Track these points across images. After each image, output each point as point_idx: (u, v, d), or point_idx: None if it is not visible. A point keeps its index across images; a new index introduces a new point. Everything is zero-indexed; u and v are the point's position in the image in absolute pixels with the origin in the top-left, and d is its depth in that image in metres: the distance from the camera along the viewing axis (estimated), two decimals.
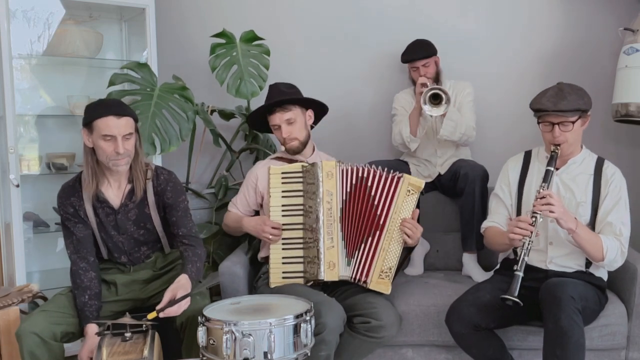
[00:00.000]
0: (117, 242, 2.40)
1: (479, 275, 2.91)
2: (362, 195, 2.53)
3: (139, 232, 2.40)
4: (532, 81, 3.47)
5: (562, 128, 2.37)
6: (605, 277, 2.49)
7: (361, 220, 2.52)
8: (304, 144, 2.69)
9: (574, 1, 3.49)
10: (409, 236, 2.46)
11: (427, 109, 2.92)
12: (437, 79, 3.14)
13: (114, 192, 2.36)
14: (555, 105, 2.34)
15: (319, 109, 2.77)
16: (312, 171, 2.55)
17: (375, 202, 2.52)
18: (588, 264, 2.43)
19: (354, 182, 2.55)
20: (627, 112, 3.06)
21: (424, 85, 2.97)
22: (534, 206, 2.30)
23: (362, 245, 2.51)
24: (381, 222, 2.50)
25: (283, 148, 2.72)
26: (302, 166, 2.58)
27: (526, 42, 3.52)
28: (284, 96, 2.62)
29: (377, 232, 2.50)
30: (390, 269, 2.49)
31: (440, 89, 2.90)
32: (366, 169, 2.56)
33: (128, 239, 2.40)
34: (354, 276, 2.50)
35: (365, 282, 2.49)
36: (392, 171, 2.55)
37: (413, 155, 3.24)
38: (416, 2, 3.54)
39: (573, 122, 2.36)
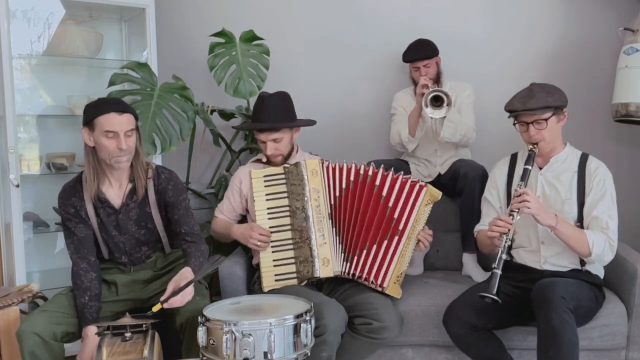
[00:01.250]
0: (118, 243, 2.40)
1: (479, 275, 2.91)
2: (365, 194, 2.54)
3: (140, 232, 2.40)
4: (532, 81, 3.45)
5: (537, 126, 2.39)
6: (601, 275, 2.49)
7: (366, 218, 2.53)
8: (288, 157, 2.67)
9: (574, 1, 3.49)
10: (425, 245, 2.55)
11: (429, 111, 2.91)
12: (438, 79, 3.14)
13: (115, 192, 2.36)
14: (524, 104, 2.37)
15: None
16: (295, 171, 2.56)
17: (390, 205, 2.53)
18: (583, 262, 2.43)
19: (352, 179, 2.57)
20: (627, 112, 3.05)
21: (424, 86, 2.96)
22: (511, 204, 2.33)
23: (375, 247, 2.51)
24: (400, 227, 2.52)
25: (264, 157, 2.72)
26: (284, 167, 2.59)
27: (526, 42, 3.52)
28: (277, 115, 2.58)
29: (396, 237, 2.51)
30: (402, 273, 2.53)
31: (441, 92, 2.90)
32: (371, 168, 2.57)
33: (129, 239, 2.40)
34: (364, 277, 2.50)
35: (382, 286, 2.49)
36: (410, 177, 2.58)
37: (413, 155, 3.24)
38: (416, 2, 3.54)
39: (546, 120, 2.38)
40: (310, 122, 2.72)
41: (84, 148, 2.31)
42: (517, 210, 2.30)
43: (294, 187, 2.55)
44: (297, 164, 2.57)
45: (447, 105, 2.88)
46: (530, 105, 2.36)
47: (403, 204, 2.53)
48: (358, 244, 2.52)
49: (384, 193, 2.54)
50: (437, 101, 2.91)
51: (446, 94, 2.88)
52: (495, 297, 2.19)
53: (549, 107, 2.37)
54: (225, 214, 2.74)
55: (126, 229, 2.38)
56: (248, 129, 2.65)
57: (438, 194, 2.57)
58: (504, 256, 2.28)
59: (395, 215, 2.52)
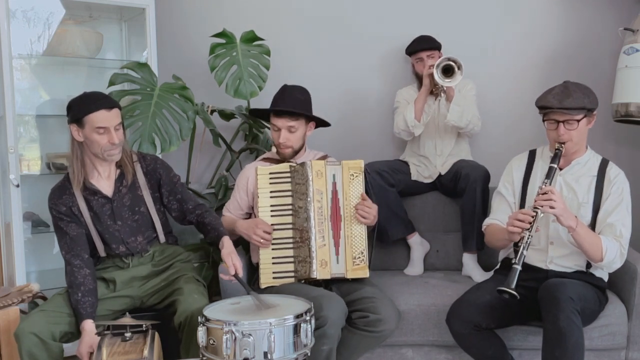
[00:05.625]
0: (113, 232, 2.41)
1: (479, 275, 2.91)
2: (333, 193, 2.57)
3: (133, 218, 2.43)
4: (532, 81, 3.47)
5: (567, 126, 2.35)
6: (605, 278, 2.49)
7: (336, 215, 2.55)
8: (296, 152, 2.69)
9: (574, 1, 3.49)
10: (364, 217, 2.51)
11: (443, 81, 2.92)
12: None
13: (105, 182, 2.41)
14: (560, 102, 2.32)
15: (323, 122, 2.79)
16: (301, 171, 2.57)
17: (338, 196, 2.56)
18: (588, 264, 2.42)
19: (331, 180, 2.59)
20: (627, 112, 3.06)
21: (430, 66, 2.97)
22: (535, 201, 2.28)
23: (340, 240, 2.54)
24: (340, 212, 2.54)
25: (274, 149, 2.74)
26: (290, 166, 2.60)
27: (526, 42, 3.52)
28: (297, 104, 2.62)
29: (340, 223, 2.54)
30: (362, 252, 2.52)
31: (450, 59, 2.90)
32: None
33: (123, 227, 2.42)
34: (337, 271, 2.51)
35: (343, 274, 2.50)
36: (331, 161, 2.61)
37: (413, 153, 3.24)
38: (417, 2, 3.54)
39: (578, 121, 2.34)
40: (326, 123, 2.75)
41: (70, 143, 2.35)
42: (541, 208, 2.24)
43: (298, 186, 2.56)
44: (302, 164, 2.58)
45: (459, 69, 2.88)
46: (567, 104, 2.30)
47: (338, 188, 2.55)
48: (339, 242, 2.53)
49: (337, 188, 2.56)
50: (448, 72, 2.92)
51: (455, 60, 2.89)
52: (514, 292, 2.16)
53: (584, 109, 2.33)
54: (231, 211, 2.76)
55: (120, 215, 2.41)
56: (268, 111, 2.67)
57: (358, 162, 2.56)
58: (525, 252, 2.23)
59: (339, 203, 2.55)
